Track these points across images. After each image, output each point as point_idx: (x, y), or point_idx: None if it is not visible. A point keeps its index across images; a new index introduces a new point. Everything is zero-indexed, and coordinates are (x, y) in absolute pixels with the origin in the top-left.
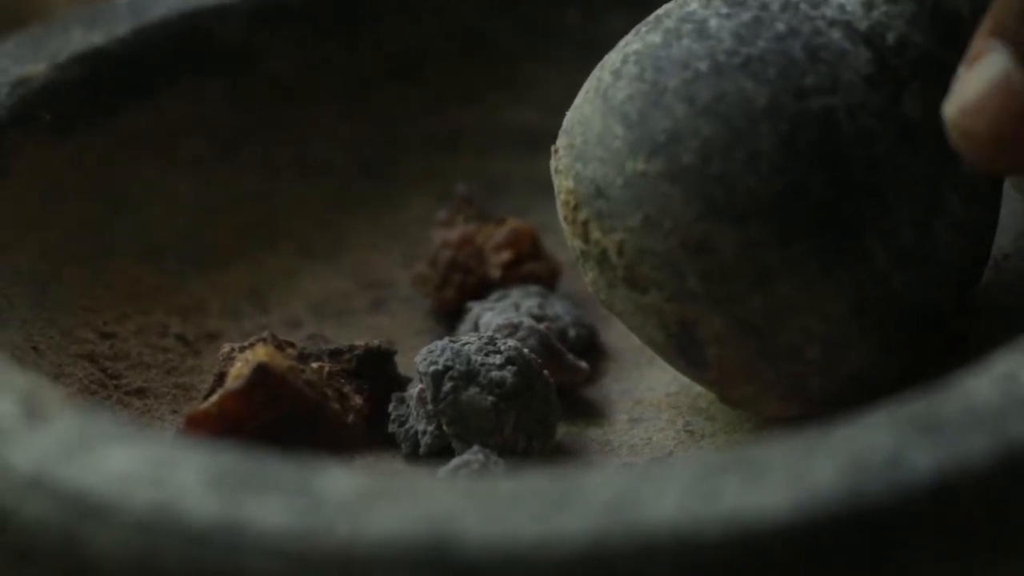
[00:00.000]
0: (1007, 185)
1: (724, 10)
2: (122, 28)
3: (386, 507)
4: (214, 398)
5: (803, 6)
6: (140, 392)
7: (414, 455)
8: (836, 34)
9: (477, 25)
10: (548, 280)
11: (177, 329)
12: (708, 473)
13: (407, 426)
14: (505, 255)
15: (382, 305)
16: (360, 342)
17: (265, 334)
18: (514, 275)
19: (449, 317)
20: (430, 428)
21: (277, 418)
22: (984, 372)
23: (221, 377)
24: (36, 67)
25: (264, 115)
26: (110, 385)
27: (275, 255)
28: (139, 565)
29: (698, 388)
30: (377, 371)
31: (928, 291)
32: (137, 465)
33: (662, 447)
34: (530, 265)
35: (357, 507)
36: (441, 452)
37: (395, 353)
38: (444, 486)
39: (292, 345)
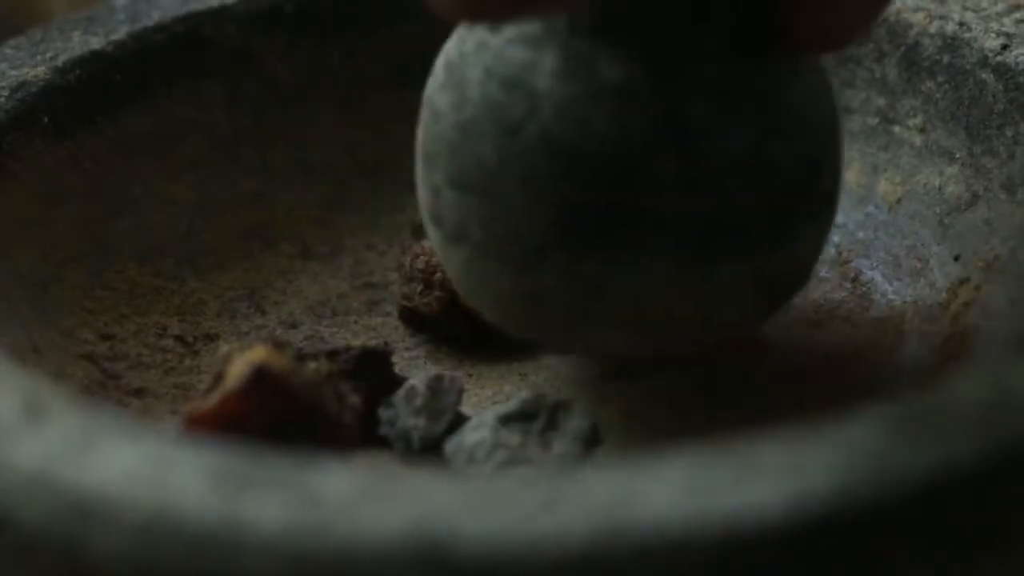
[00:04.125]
0: (995, 187)
1: None
2: (120, 31)
3: (384, 506)
4: (213, 398)
5: None
6: (139, 392)
7: (408, 452)
8: None
9: None
10: None
11: (175, 330)
12: (701, 472)
13: (397, 425)
14: None
15: (378, 306)
16: (357, 343)
17: (263, 334)
18: None
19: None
20: (419, 422)
21: (275, 418)
22: (973, 372)
23: (219, 377)
24: (35, 70)
25: (262, 117)
26: (110, 385)
27: (273, 256)
28: (139, 564)
29: (691, 388)
30: (374, 372)
31: None
32: (137, 465)
33: (656, 445)
34: None
35: (355, 506)
36: (434, 447)
37: (392, 354)
38: (441, 485)
39: (290, 345)
